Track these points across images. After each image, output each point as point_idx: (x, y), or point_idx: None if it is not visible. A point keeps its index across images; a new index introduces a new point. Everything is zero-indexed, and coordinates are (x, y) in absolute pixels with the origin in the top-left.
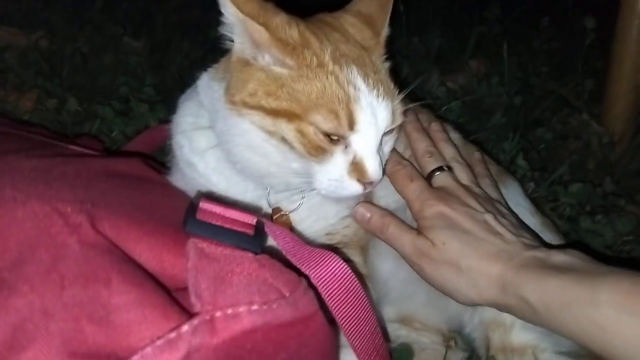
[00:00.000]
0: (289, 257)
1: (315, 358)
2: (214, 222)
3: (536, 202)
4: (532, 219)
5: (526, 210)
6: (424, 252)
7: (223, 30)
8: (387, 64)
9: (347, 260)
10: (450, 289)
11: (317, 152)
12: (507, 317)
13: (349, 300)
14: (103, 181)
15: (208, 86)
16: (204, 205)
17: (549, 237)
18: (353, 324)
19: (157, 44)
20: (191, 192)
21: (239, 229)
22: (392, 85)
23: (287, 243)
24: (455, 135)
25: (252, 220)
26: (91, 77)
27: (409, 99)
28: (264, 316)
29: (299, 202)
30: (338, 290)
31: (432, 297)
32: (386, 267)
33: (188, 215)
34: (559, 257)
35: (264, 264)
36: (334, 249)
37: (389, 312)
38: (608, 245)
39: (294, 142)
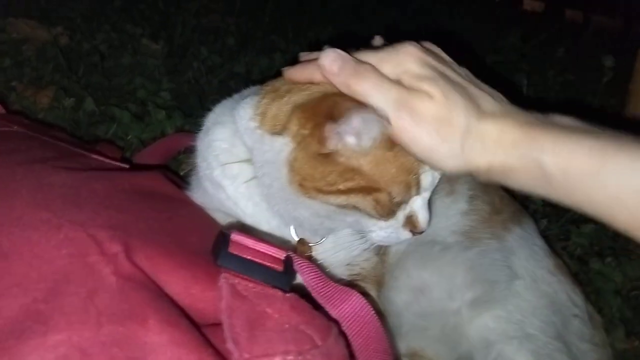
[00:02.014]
0: (314, 294)
1: None
2: (244, 255)
3: (548, 240)
4: (546, 260)
5: (541, 250)
6: (412, 107)
7: None
8: None
9: (366, 295)
10: (440, 151)
11: (389, 214)
12: None
13: (369, 338)
14: (131, 201)
15: (254, 133)
16: (235, 237)
17: (562, 279)
18: (370, 355)
19: (175, 47)
20: (213, 209)
21: (268, 264)
22: None
23: (313, 279)
24: None
25: (281, 255)
26: (108, 76)
27: None
28: None
29: (323, 237)
30: (360, 329)
31: (445, 333)
32: (401, 299)
33: (219, 248)
34: (562, 119)
35: (295, 306)
36: (354, 285)
37: (399, 346)
38: (617, 290)
39: (368, 209)
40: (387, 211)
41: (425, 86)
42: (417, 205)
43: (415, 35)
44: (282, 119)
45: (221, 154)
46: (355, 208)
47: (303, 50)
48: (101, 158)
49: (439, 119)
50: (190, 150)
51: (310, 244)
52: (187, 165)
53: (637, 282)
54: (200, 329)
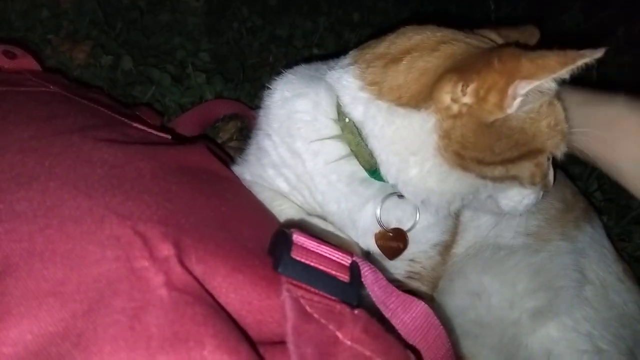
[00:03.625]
0: (378, 305)
1: None
2: (308, 261)
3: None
4: (615, 265)
5: (610, 254)
6: None
7: None
8: None
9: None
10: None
11: (543, 179)
12: None
13: (437, 349)
14: (180, 183)
15: (371, 106)
16: (298, 239)
17: (629, 285)
18: None
19: (215, 5)
20: (266, 188)
21: (335, 272)
22: None
23: (380, 289)
24: None
25: (347, 260)
26: (146, 34)
27: None
28: None
29: (412, 220)
30: (427, 340)
31: (503, 343)
32: (455, 304)
33: (281, 252)
34: None
35: (368, 330)
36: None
37: None
38: None
39: (525, 176)
40: (543, 175)
41: None
42: (548, 162)
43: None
44: (413, 88)
45: (303, 126)
46: (513, 178)
47: (347, 14)
48: (143, 127)
49: None
50: (230, 118)
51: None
52: (225, 133)
53: None
54: (259, 347)
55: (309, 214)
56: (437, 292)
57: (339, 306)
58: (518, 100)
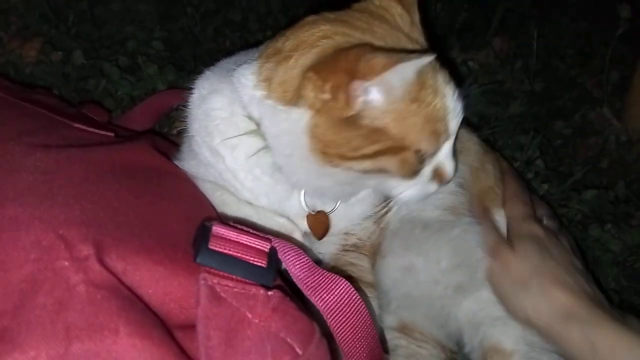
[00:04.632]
0: (300, 285)
1: None
2: (225, 250)
3: (548, 205)
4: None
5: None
6: (502, 254)
7: None
8: None
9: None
10: (511, 301)
11: (415, 173)
12: (507, 345)
13: (354, 324)
14: (111, 184)
15: (263, 104)
16: (217, 230)
17: None
18: (354, 344)
19: None
20: (206, 180)
21: (251, 258)
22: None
23: (299, 269)
24: (476, 139)
25: (266, 246)
26: (97, 24)
27: None
28: None
29: (334, 204)
30: (345, 316)
31: (434, 314)
32: (390, 278)
33: (199, 244)
34: (631, 319)
35: (277, 308)
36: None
37: (389, 320)
38: (616, 261)
39: (393, 170)
40: (413, 170)
41: (517, 244)
42: (443, 154)
43: None
44: (292, 85)
45: (221, 123)
46: (381, 171)
47: None
48: (85, 127)
49: (516, 272)
50: (182, 112)
51: (326, 211)
52: (179, 123)
53: (635, 249)
54: (180, 331)
55: (249, 202)
56: (378, 258)
57: (254, 289)
58: (361, 99)
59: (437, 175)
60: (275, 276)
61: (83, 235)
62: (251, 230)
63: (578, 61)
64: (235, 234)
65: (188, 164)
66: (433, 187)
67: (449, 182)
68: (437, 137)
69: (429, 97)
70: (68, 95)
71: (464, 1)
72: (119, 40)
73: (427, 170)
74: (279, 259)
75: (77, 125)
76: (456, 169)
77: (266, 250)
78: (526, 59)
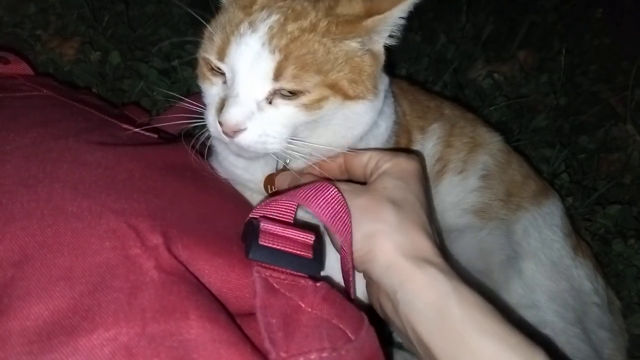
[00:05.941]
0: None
1: None
2: (274, 245)
3: (572, 219)
4: (563, 243)
5: (560, 231)
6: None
7: None
8: (355, 44)
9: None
10: (367, 227)
11: (203, 81)
12: None
13: (339, 214)
14: (166, 181)
15: None
16: (265, 226)
17: (581, 261)
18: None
19: None
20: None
21: (299, 252)
22: (326, 62)
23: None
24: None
25: (310, 239)
26: (132, 26)
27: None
28: None
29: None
30: (332, 210)
31: None
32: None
33: (250, 240)
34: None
35: (327, 298)
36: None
37: None
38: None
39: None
40: (202, 76)
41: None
42: (231, 90)
43: None
44: None
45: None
46: None
47: None
48: (131, 128)
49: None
50: None
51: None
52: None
53: None
54: (237, 319)
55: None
56: None
57: (303, 281)
58: None
59: (220, 110)
60: (322, 266)
61: (151, 226)
62: (294, 223)
63: (601, 77)
64: (281, 228)
65: (217, 165)
66: (216, 126)
67: (228, 129)
68: (212, 43)
69: (239, 11)
70: (104, 94)
71: (489, 14)
72: (153, 41)
73: (214, 88)
74: (322, 247)
75: (124, 125)
76: (243, 126)
77: (311, 242)
78: (551, 73)
